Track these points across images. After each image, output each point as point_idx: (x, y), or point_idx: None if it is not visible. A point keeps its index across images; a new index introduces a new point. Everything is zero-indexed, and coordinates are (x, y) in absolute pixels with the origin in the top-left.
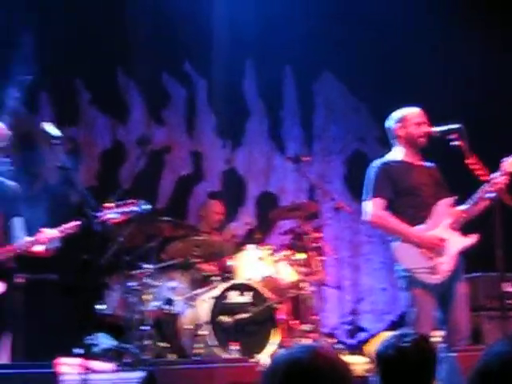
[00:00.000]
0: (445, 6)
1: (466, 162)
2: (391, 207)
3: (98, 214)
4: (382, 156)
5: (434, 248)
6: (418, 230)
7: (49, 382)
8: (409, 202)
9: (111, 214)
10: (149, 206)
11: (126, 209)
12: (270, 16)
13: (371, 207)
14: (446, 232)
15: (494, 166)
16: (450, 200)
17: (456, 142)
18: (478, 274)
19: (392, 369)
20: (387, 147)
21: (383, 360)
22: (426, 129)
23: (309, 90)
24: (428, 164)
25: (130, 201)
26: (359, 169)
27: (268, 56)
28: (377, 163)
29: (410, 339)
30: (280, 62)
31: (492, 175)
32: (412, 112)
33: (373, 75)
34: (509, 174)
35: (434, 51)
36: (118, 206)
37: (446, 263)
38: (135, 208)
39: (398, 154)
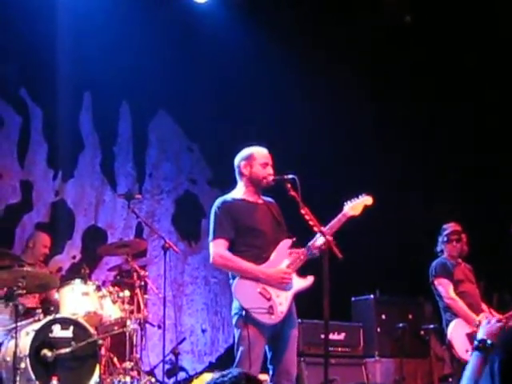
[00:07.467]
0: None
1: (300, 212)
2: (234, 246)
3: None
4: (213, 198)
5: (283, 281)
6: (262, 268)
7: None
8: (251, 242)
9: None
10: None
11: None
12: (111, 50)
13: (213, 249)
14: None
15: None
16: (289, 242)
17: (290, 192)
18: (298, 321)
19: None
20: (217, 189)
21: None
22: (270, 171)
23: (144, 127)
24: (268, 200)
25: None
26: (188, 209)
27: (106, 90)
28: (218, 202)
29: (228, 378)
30: (118, 97)
31: (325, 228)
32: (259, 152)
33: (208, 117)
34: (349, 217)
35: (271, 96)
36: None
37: (282, 304)
38: None
39: (239, 191)
